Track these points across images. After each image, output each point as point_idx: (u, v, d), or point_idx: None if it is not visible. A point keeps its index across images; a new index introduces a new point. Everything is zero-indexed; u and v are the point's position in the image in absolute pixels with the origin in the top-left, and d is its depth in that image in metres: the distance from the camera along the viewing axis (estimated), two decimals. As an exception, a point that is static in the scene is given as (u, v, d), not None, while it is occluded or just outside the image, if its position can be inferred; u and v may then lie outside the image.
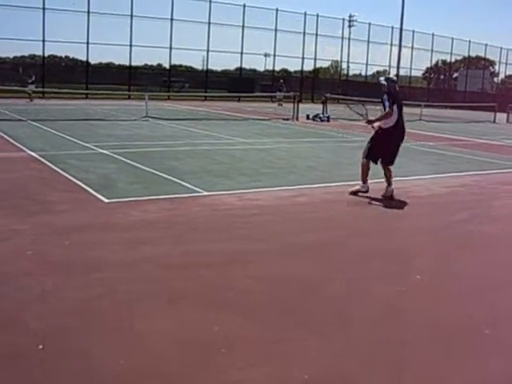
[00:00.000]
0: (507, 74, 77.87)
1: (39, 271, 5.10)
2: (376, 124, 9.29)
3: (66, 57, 50.42)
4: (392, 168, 9.34)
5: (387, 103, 9.05)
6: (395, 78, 9.63)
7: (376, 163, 9.37)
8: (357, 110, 9.88)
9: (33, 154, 12.06)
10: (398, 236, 7.08)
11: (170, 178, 9.92)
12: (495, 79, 79.57)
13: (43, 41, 41.50)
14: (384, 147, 9.23)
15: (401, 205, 8.82)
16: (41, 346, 3.69)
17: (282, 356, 3.77)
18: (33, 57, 46.84)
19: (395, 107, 9.07)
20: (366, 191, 9.39)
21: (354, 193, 9.34)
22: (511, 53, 72.13)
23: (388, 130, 9.17)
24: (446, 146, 18.26)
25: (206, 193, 8.82)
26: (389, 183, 9.31)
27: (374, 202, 8.88)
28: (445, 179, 11.38)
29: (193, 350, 3.80)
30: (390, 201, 8.99)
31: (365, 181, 9.43)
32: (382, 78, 9.72)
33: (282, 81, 44.74)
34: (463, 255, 6.48)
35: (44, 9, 41.00)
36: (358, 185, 9.48)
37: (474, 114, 41.99)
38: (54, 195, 8.20)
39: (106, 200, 8.00)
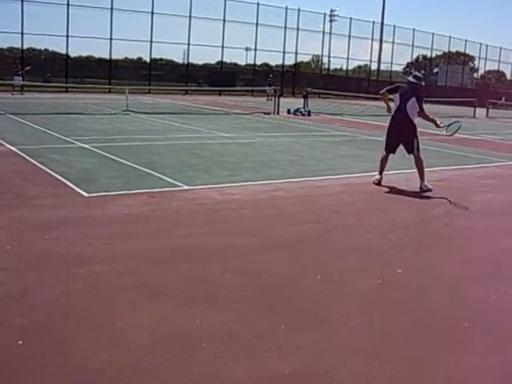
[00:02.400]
0: (486, 69, 78.50)
1: (18, 266, 5.07)
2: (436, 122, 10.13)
3: (46, 50, 49.96)
4: (423, 160, 9.91)
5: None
6: (420, 75, 10.02)
7: (393, 153, 10.14)
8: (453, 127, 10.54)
9: (12, 148, 11.96)
10: (377, 230, 7.11)
11: (150, 172, 9.89)
12: (475, 74, 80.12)
13: (22, 33, 41.11)
14: (389, 136, 10.08)
15: (379, 199, 8.87)
16: (20, 342, 3.68)
17: (263, 350, 3.78)
18: (11, 49, 46.37)
19: (395, 98, 9.91)
20: (378, 183, 9.89)
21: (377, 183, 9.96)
22: (491, 48, 72.65)
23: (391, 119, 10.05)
24: (426, 140, 18.30)
25: (186, 187, 8.81)
26: (420, 177, 9.81)
27: (352, 197, 8.93)
28: (425, 174, 11.43)
29: (174, 344, 3.80)
30: (368, 195, 9.04)
31: (380, 172, 10.08)
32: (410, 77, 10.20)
33: (271, 75, 44.71)
34: (442, 249, 6.53)
35: (23, 1, 40.62)
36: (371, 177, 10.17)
37: (454, 108, 42.24)
38: (33, 189, 8.15)
39: (86, 194, 7.96)
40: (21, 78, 34.03)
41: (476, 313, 4.71)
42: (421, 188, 9.67)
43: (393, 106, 9.98)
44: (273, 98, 30.83)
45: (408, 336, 4.16)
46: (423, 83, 9.90)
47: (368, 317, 4.46)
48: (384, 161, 10.10)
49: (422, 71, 74.60)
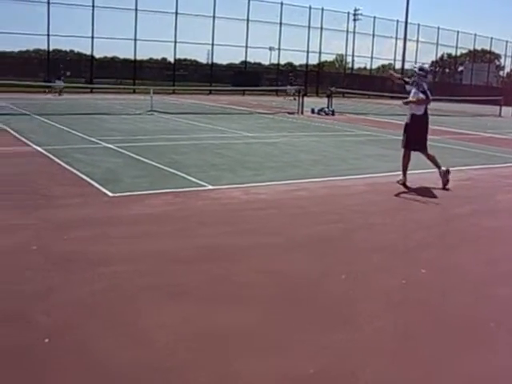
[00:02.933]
0: (512, 67, 77.62)
1: (44, 266, 5.12)
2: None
3: (71, 51, 50.42)
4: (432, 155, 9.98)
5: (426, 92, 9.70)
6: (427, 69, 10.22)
7: (415, 150, 10.00)
8: None
9: (38, 148, 12.07)
10: (402, 229, 7.07)
11: (174, 171, 9.92)
12: (501, 73, 79.29)
13: (48, 35, 41.55)
14: (417, 134, 9.87)
15: (404, 198, 8.82)
16: (47, 340, 3.71)
17: (287, 350, 3.78)
18: (37, 51, 46.86)
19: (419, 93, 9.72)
20: (403, 184, 9.77)
21: (402, 184, 9.80)
22: (517, 46, 71.85)
23: (418, 117, 9.83)
24: (452, 139, 18.20)
25: (210, 186, 8.83)
26: (437, 167, 9.85)
27: (378, 196, 8.89)
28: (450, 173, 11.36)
29: (197, 343, 3.81)
30: (393, 194, 8.99)
31: (404, 172, 9.93)
32: (416, 68, 10.34)
33: (291, 74, 44.62)
34: (467, 249, 6.48)
35: (49, 3, 41.08)
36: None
37: (480, 107, 41.84)
38: (59, 189, 8.22)
39: (111, 194, 8.01)
40: (62, 81, 35.43)
41: (502, 313, 4.66)
42: (440, 174, 9.77)
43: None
44: (296, 98, 30.77)
45: (432, 336, 4.13)
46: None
47: (392, 317, 4.43)
48: (407, 159, 9.98)
49: (447, 69, 74.23)
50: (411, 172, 10.07)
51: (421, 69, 10.18)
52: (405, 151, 9.98)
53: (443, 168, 9.77)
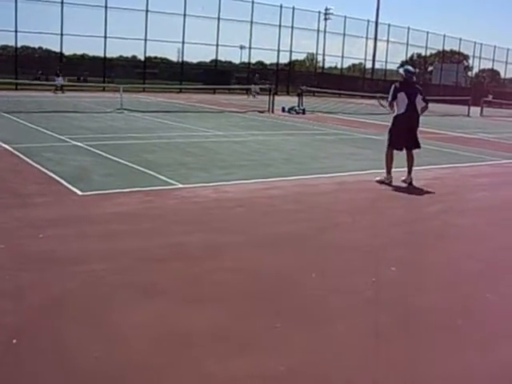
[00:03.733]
0: (481, 68, 78.63)
1: (12, 265, 5.05)
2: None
3: (40, 48, 49.89)
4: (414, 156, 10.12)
5: (390, 97, 10.03)
6: (412, 68, 10.37)
7: (401, 150, 10.11)
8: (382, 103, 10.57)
9: (6, 146, 11.91)
10: (372, 227, 7.12)
11: (145, 170, 9.87)
12: (469, 73, 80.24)
13: (16, 31, 41.02)
14: (400, 134, 9.97)
15: (375, 197, 8.88)
16: (15, 341, 3.67)
17: (259, 348, 3.78)
18: (5, 47, 46.26)
19: (402, 95, 9.84)
20: (389, 183, 9.83)
21: (380, 182, 9.89)
22: (485, 47, 72.82)
23: (397, 118, 10.00)
24: (421, 139, 18.30)
25: (181, 185, 8.80)
26: (409, 171, 9.98)
27: (347, 195, 8.94)
28: (419, 172, 11.44)
29: (170, 343, 3.79)
30: (363, 192, 9.05)
31: (389, 171, 9.98)
32: (401, 69, 10.67)
33: (257, 75, 44.75)
34: (437, 247, 6.54)
35: (16, -1, 40.52)
36: (379, 175, 10.16)
37: (449, 107, 42.31)
38: (28, 188, 8.13)
39: (81, 193, 7.94)
40: (61, 78, 36.73)
41: (471, 310, 4.72)
42: (405, 181, 9.96)
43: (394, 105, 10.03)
44: (256, 96, 31.12)
45: (403, 334, 4.17)
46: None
47: (363, 315, 4.46)
48: (391, 158, 10.04)
49: (417, 69, 74.90)
50: (380, 171, 10.15)
51: (408, 71, 10.29)
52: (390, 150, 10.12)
53: (411, 177, 9.98)
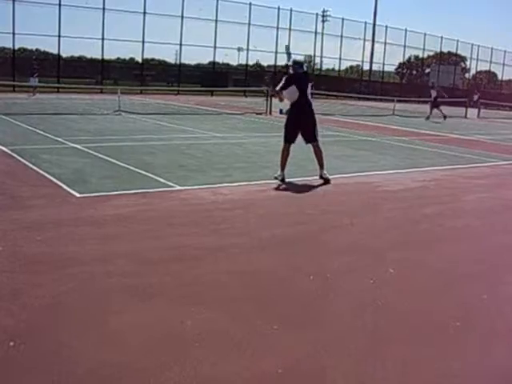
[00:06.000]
0: (478, 69, 78.70)
1: (9, 267, 5.04)
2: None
3: (37, 50, 49.83)
4: (322, 149, 10.22)
5: (279, 85, 9.99)
6: (302, 61, 10.54)
7: (293, 142, 10.13)
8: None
9: (3, 148, 11.90)
10: (370, 229, 7.12)
11: (142, 172, 9.87)
12: (466, 75, 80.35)
13: (13, 33, 40.98)
14: (292, 125, 10.05)
15: (372, 199, 8.89)
16: (12, 343, 3.66)
17: (255, 350, 3.78)
18: (2, 49, 46.22)
19: (293, 88, 9.83)
20: (282, 180, 9.79)
21: (276, 178, 9.82)
22: (482, 49, 72.86)
23: (291, 110, 10.07)
24: (419, 140, 18.38)
25: (179, 187, 8.80)
26: (320, 165, 10.00)
27: (345, 197, 8.95)
28: (417, 174, 11.48)
29: (166, 344, 3.79)
30: (361, 195, 9.06)
31: (283, 167, 9.96)
32: (290, 61, 10.67)
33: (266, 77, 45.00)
34: (434, 248, 6.54)
35: (14, 1, 40.48)
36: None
37: (446, 109, 42.29)
38: (25, 190, 8.12)
39: (78, 195, 7.94)
40: (33, 79, 34.48)
41: (467, 312, 4.72)
42: (321, 176, 9.92)
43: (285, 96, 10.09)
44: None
45: (400, 336, 4.16)
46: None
47: (360, 317, 4.46)
48: (287, 154, 10.06)
49: (414, 71, 75.04)
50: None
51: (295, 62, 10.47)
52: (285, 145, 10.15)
53: (325, 172, 10.01)
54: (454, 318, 4.51)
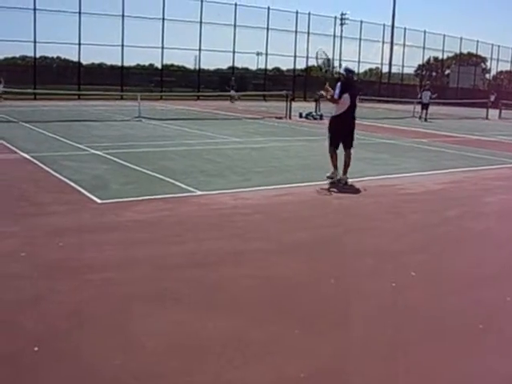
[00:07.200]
0: (498, 70, 78.06)
1: (33, 273, 5.08)
2: (326, 94, 10.44)
3: (58, 58, 50.22)
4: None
5: (337, 91, 10.16)
6: (353, 68, 10.58)
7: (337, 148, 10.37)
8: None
9: (25, 155, 12.02)
10: (392, 232, 7.08)
11: (163, 178, 9.90)
12: (487, 76, 79.71)
13: (34, 42, 41.33)
14: (340, 132, 10.32)
15: (394, 202, 8.84)
16: (36, 348, 3.69)
17: (277, 355, 3.77)
18: (24, 58, 46.65)
19: (346, 96, 10.08)
20: (334, 177, 10.12)
21: (329, 177, 10.14)
22: (502, 49, 72.20)
23: (340, 116, 10.21)
24: (439, 142, 18.30)
25: (199, 192, 8.81)
26: (345, 170, 10.20)
27: (367, 199, 8.91)
28: (438, 176, 11.40)
29: (188, 350, 3.79)
30: (383, 197, 9.02)
31: (335, 167, 10.28)
32: (341, 69, 10.99)
33: (233, 78, 44.98)
34: (457, 251, 6.49)
35: (35, 9, 40.82)
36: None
37: (467, 110, 42.07)
38: (47, 197, 8.18)
39: (100, 201, 7.98)
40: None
41: (491, 315, 4.68)
42: (341, 180, 10.12)
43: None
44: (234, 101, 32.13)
45: (422, 339, 4.13)
46: None
47: (382, 320, 4.44)
48: (335, 155, 10.32)
49: (434, 73, 74.57)
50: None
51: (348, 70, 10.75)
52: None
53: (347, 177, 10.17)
54: (476, 320, 4.46)
